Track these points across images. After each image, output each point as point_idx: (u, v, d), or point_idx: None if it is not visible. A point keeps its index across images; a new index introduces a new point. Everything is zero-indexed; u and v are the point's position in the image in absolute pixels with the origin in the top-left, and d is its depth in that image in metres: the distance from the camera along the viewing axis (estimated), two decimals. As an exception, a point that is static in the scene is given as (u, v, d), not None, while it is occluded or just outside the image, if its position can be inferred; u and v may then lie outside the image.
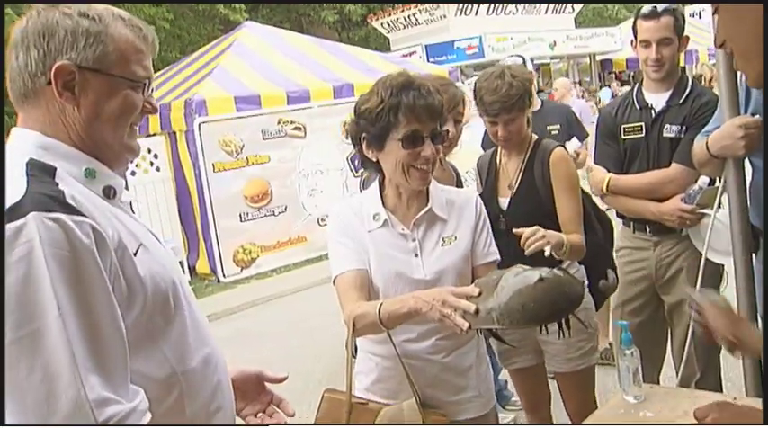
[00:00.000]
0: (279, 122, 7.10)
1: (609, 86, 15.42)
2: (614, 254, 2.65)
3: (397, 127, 1.61)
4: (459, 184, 2.33)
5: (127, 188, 1.18)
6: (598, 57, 16.03)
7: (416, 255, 1.68)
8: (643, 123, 2.55)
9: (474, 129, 3.64)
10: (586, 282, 2.35)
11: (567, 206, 2.23)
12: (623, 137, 2.60)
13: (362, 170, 2.05)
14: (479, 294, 1.41)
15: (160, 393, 1.04)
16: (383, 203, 1.72)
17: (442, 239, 1.70)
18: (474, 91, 2.27)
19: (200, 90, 6.89)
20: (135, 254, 1.01)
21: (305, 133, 7.23)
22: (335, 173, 7.35)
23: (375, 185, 1.76)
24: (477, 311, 1.39)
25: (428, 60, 12.70)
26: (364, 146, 1.69)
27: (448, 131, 1.73)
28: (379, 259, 1.67)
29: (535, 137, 2.39)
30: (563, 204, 2.22)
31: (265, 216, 7.03)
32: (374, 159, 1.69)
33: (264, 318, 5.76)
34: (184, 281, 1.15)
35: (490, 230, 1.77)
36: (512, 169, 2.35)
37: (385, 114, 1.60)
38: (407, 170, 1.64)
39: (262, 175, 6.98)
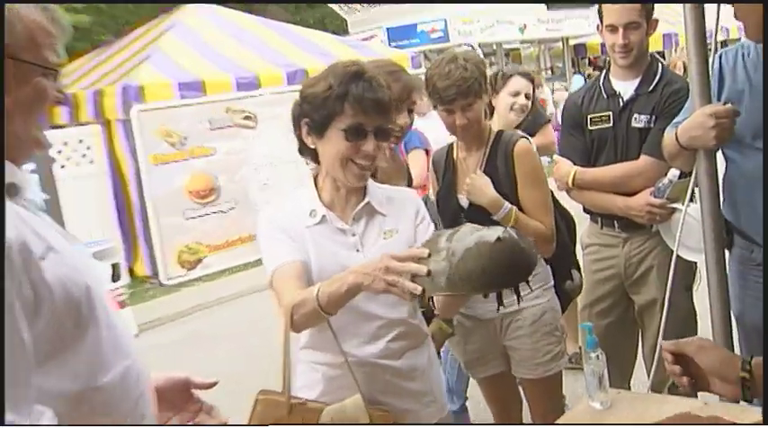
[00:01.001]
0: (227, 111, 7.01)
1: (582, 73, 15.59)
2: (580, 252, 2.72)
3: (342, 117, 1.64)
4: (409, 179, 2.33)
5: (37, 186, 1.12)
6: (571, 42, 16.09)
7: (358, 251, 1.70)
8: (611, 112, 2.57)
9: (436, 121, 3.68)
10: (552, 283, 2.40)
11: (534, 196, 2.26)
12: (590, 127, 2.62)
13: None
14: (429, 256, 1.41)
15: (70, 410, 1.01)
16: (320, 198, 1.74)
17: (384, 232, 1.73)
18: (426, 80, 2.28)
19: (136, 75, 6.74)
20: (42, 259, 0.98)
21: (255, 123, 7.15)
22: (289, 166, 7.23)
23: (309, 181, 1.78)
24: (429, 273, 1.38)
25: (390, 44, 12.67)
26: (304, 131, 1.71)
27: (393, 129, 1.76)
28: (319, 256, 1.69)
29: (495, 129, 2.40)
30: (529, 195, 2.25)
31: (212, 213, 6.95)
32: (312, 146, 1.71)
33: (215, 322, 5.72)
34: (101, 287, 1.12)
35: (432, 225, 1.79)
36: (471, 164, 2.36)
37: (331, 102, 1.63)
38: (346, 163, 1.67)
39: (207, 169, 6.90)
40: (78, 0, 7.52)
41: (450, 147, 2.46)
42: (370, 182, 1.79)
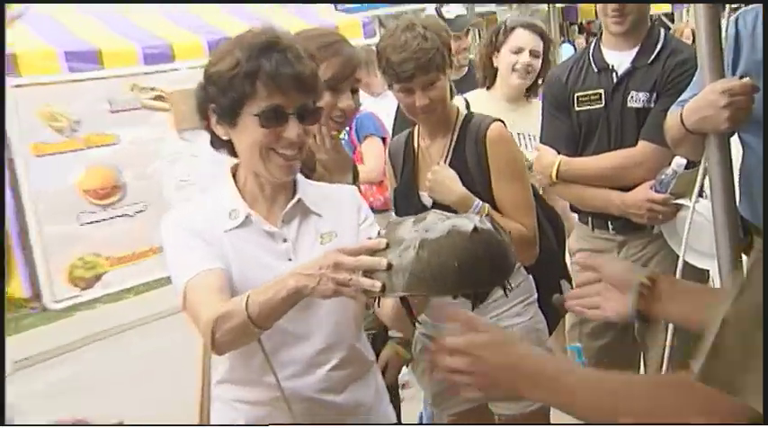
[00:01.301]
0: (132, 89, 6.92)
1: (571, 42, 15.76)
2: (568, 259, 2.74)
3: (254, 98, 1.65)
4: (355, 175, 2.35)
5: None
6: (559, 5, 16.22)
7: (290, 259, 1.72)
8: (602, 90, 2.61)
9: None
10: (535, 296, 2.44)
11: (511, 191, 2.28)
12: (577, 108, 2.66)
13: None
14: (387, 247, 1.43)
15: None
16: (241, 197, 1.76)
17: (321, 236, 1.76)
18: (378, 53, 2.30)
19: (8, 39, 6.56)
20: None
21: (169, 104, 7.07)
22: (215, 158, 7.17)
23: (227, 176, 1.80)
24: (389, 266, 1.39)
25: (336, 7, 12.64)
26: (212, 119, 1.72)
27: (320, 109, 1.76)
28: (242, 266, 1.70)
29: (463, 111, 2.42)
30: (505, 190, 2.28)
31: (115, 217, 6.85)
32: (225, 137, 1.73)
33: (117, 355, 5.62)
34: None
35: (377, 226, 1.83)
36: (435, 153, 2.39)
37: (239, 81, 1.64)
38: (266, 154, 1.69)
39: (108, 162, 6.78)
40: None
41: (410, 134, 2.48)
42: (300, 177, 1.82)
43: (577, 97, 2.65)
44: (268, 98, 1.64)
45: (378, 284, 1.39)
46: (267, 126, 1.65)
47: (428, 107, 2.29)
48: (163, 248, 1.75)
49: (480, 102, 3.24)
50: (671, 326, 2.19)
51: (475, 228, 1.39)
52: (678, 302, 1.46)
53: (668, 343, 2.22)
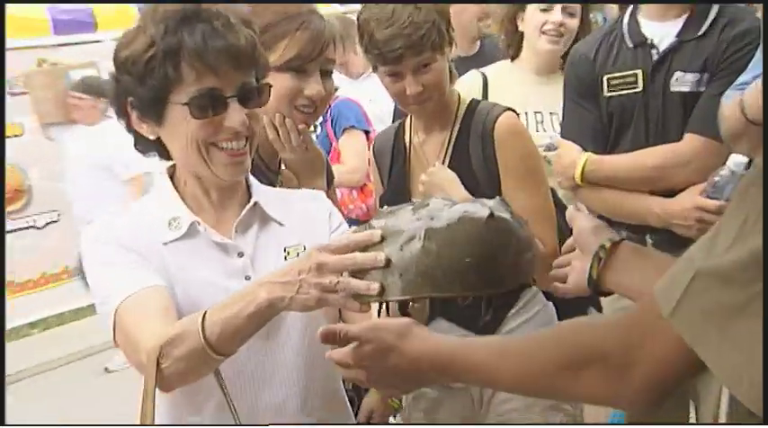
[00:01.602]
0: (40, 66, 6.91)
1: (602, 12, 15.81)
2: None
3: (181, 84, 1.64)
4: (330, 178, 2.38)
5: None
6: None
7: (248, 277, 1.74)
8: (639, 71, 2.60)
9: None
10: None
11: (526, 197, 2.28)
12: (607, 93, 2.66)
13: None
14: (381, 240, 1.44)
15: None
16: (184, 202, 1.78)
17: (286, 251, 1.78)
18: (358, 27, 2.32)
19: None
20: None
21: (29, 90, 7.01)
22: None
23: (164, 178, 1.82)
24: (388, 263, 1.40)
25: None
26: (133, 116, 1.72)
27: (267, 86, 1.76)
28: (188, 286, 1.71)
29: (466, 98, 2.43)
30: (518, 197, 2.27)
31: (18, 229, 6.78)
32: (152, 136, 1.73)
33: (23, 407, 5.46)
34: None
35: None
36: (431, 151, 2.42)
37: (158, 64, 1.64)
38: (206, 151, 1.69)
39: (11, 158, 6.67)
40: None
41: (401, 127, 2.50)
42: (254, 179, 1.84)
43: (608, 80, 2.64)
44: (198, 81, 1.64)
45: (375, 286, 1.39)
46: (201, 116, 1.65)
47: (422, 95, 2.30)
48: (83, 269, 1.74)
49: (503, 76, 3.26)
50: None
51: (491, 214, 1.40)
52: (631, 271, 1.54)
53: (724, 389, 2.19)
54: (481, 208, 1.42)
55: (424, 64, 2.27)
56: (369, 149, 2.94)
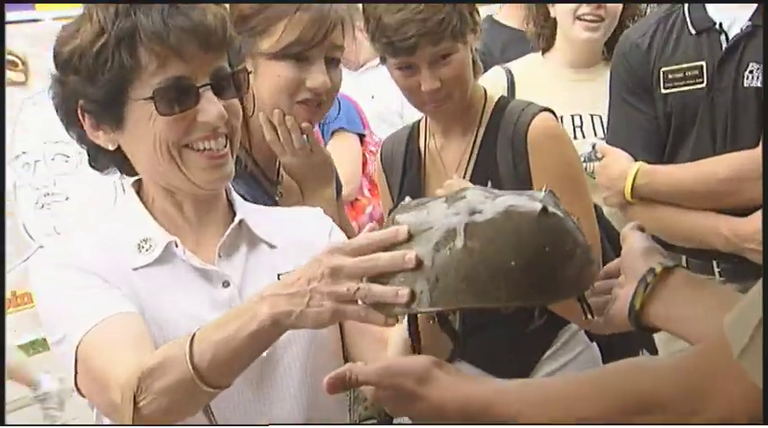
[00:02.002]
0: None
1: None
2: None
3: (140, 75, 1.63)
4: (339, 187, 2.40)
5: None
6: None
7: None
8: (704, 62, 2.58)
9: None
10: None
11: None
12: (664, 90, 2.63)
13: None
14: (409, 238, 1.39)
15: None
16: (155, 221, 1.76)
17: (279, 278, 1.74)
18: (364, 11, 2.32)
19: None
20: None
21: (25, 74, 7.00)
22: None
23: (130, 193, 1.81)
24: (419, 265, 1.35)
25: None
26: (87, 124, 1.69)
27: (245, 72, 1.76)
28: (161, 320, 1.68)
29: (494, 95, 2.43)
30: None
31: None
32: (111, 146, 1.71)
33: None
34: None
35: None
36: (451, 158, 2.42)
37: (111, 54, 1.61)
38: (178, 155, 1.66)
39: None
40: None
41: (414, 130, 2.51)
42: (236, 196, 1.83)
43: (665, 74, 2.61)
44: (161, 69, 1.62)
45: (405, 291, 1.33)
46: (169, 111, 1.63)
47: (439, 92, 2.26)
48: (25, 299, 1.76)
49: (532, 72, 3.25)
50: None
51: (544, 209, 1.36)
52: (682, 304, 1.47)
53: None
54: (530, 201, 1.39)
55: (442, 55, 2.24)
56: (361, 154, 2.88)
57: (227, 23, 1.69)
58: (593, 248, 2.23)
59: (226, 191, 1.81)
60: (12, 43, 7.02)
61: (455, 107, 2.33)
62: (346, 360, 1.82)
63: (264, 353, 1.68)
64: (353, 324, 1.78)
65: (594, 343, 2.44)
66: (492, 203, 1.39)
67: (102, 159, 1.77)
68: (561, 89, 3.18)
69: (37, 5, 7.01)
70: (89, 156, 1.80)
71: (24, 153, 6.79)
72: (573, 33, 3.22)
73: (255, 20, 1.90)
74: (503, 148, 2.33)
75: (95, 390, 1.63)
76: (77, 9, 6.04)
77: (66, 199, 7.12)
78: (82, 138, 1.76)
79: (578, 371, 2.31)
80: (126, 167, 1.76)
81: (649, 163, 2.61)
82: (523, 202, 1.39)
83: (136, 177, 1.80)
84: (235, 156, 1.74)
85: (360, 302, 1.39)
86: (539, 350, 2.37)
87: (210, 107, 1.64)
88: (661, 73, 2.61)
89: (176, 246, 1.72)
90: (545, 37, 3.34)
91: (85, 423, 1.81)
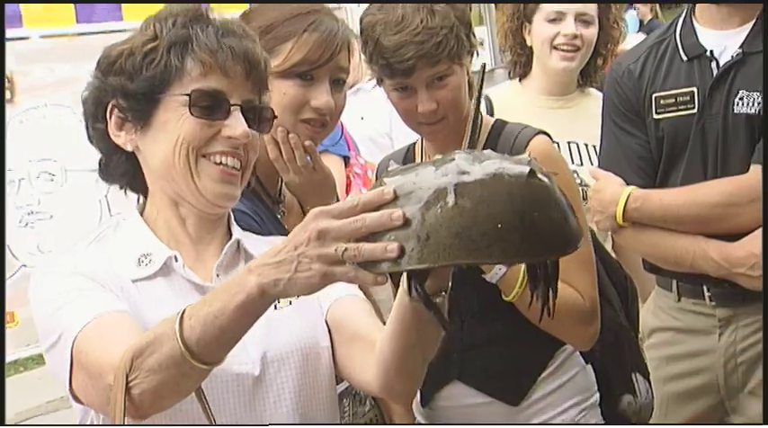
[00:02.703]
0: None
1: (635, 9, 15.79)
2: (642, 344, 2.75)
3: (182, 78, 1.69)
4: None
5: None
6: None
7: None
8: (695, 88, 2.58)
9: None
10: (597, 397, 2.45)
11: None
12: (656, 115, 2.63)
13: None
14: (396, 198, 1.40)
15: None
16: (155, 235, 1.79)
17: (277, 299, 1.75)
18: (362, 31, 2.30)
19: None
20: None
21: (11, 94, 6.98)
22: (85, 177, 7.04)
23: (133, 214, 1.84)
24: (407, 222, 1.35)
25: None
26: (112, 122, 1.73)
27: (270, 111, 1.82)
28: None
29: (490, 119, 2.42)
30: None
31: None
32: (129, 147, 1.74)
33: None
34: None
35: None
36: None
37: (160, 56, 1.68)
38: (195, 161, 1.70)
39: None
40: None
41: (410, 151, 2.50)
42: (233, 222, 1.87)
43: (657, 99, 2.62)
44: (203, 78, 1.68)
45: (393, 246, 1.33)
46: (201, 115, 1.67)
47: (435, 114, 2.26)
48: (33, 310, 1.75)
49: (510, 98, 3.28)
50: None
51: (531, 173, 1.38)
52: None
53: None
54: (517, 165, 1.40)
55: (439, 77, 2.23)
56: (345, 177, 2.86)
57: (268, 63, 1.78)
58: (588, 273, 2.30)
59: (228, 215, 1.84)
60: (-1, 59, 6.99)
61: (450, 129, 2.30)
62: (338, 372, 1.85)
63: (256, 372, 1.72)
64: (343, 333, 1.83)
65: (589, 366, 2.43)
66: (480, 166, 1.39)
67: (113, 165, 1.79)
68: (538, 116, 3.07)
69: (26, 23, 7.00)
70: (101, 164, 1.82)
71: (9, 170, 6.76)
72: (550, 63, 3.26)
73: (264, 39, 1.90)
74: None
75: (90, 383, 1.62)
76: (68, 28, 6.08)
77: (51, 217, 7.10)
78: (101, 138, 1.77)
79: (574, 394, 2.37)
80: (134, 178, 1.79)
81: (641, 187, 2.62)
82: (511, 165, 1.40)
83: (136, 205, 1.83)
84: (242, 187, 1.77)
85: (348, 263, 1.38)
86: (535, 371, 2.35)
87: (237, 125, 1.69)
88: (653, 98, 2.62)
89: (176, 261, 1.74)
90: (521, 64, 3.37)
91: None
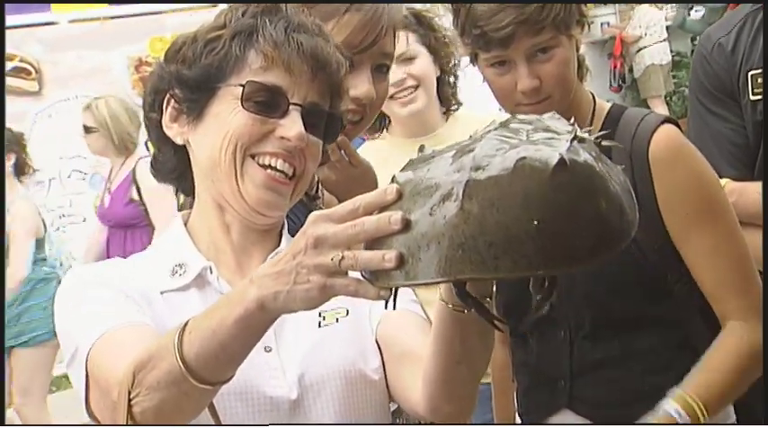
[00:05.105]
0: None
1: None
2: None
3: (242, 69, 1.71)
4: None
5: None
6: None
7: (268, 349, 1.73)
8: None
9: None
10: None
11: (712, 252, 2.19)
12: (753, 97, 2.61)
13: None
14: (399, 198, 1.37)
15: None
16: (194, 244, 1.81)
17: (321, 315, 1.79)
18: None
19: None
20: None
21: (39, 85, 6.97)
22: None
23: (176, 220, 1.87)
24: (407, 224, 1.32)
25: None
26: (167, 113, 1.76)
27: (341, 121, 1.82)
28: None
29: (605, 103, 2.35)
30: (700, 252, 2.20)
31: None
32: (179, 140, 1.77)
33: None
34: None
35: (415, 302, 1.86)
36: None
37: (222, 44, 1.70)
38: (241, 161, 1.71)
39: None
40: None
41: None
42: (286, 232, 1.85)
43: (754, 77, 2.59)
44: (263, 71, 1.69)
45: (391, 255, 1.29)
46: (255, 109, 1.68)
47: (537, 92, 2.17)
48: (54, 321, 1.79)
49: (377, 148, 3.27)
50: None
51: (561, 161, 1.29)
52: None
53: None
54: (549, 149, 1.32)
55: (542, 48, 2.15)
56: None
57: (344, 70, 1.76)
58: (750, 286, 2.21)
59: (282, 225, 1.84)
60: (24, 48, 6.97)
61: (556, 108, 2.16)
62: (390, 393, 1.85)
63: (293, 397, 1.71)
64: (392, 351, 1.82)
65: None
66: (503, 157, 1.33)
67: (162, 160, 1.82)
68: (406, 158, 3.07)
69: (54, 6, 6.96)
70: (153, 159, 1.88)
71: (37, 171, 6.74)
72: (396, 112, 3.30)
73: None
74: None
75: (102, 400, 1.62)
76: (97, 10, 5.94)
77: (84, 220, 7.05)
78: (154, 129, 1.80)
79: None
80: (183, 177, 1.81)
81: (736, 179, 2.59)
82: (540, 152, 1.32)
83: (183, 211, 1.86)
84: (295, 200, 1.78)
85: (350, 274, 1.35)
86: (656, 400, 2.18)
87: (294, 125, 1.68)
88: (749, 77, 2.60)
89: (210, 272, 1.75)
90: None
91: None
